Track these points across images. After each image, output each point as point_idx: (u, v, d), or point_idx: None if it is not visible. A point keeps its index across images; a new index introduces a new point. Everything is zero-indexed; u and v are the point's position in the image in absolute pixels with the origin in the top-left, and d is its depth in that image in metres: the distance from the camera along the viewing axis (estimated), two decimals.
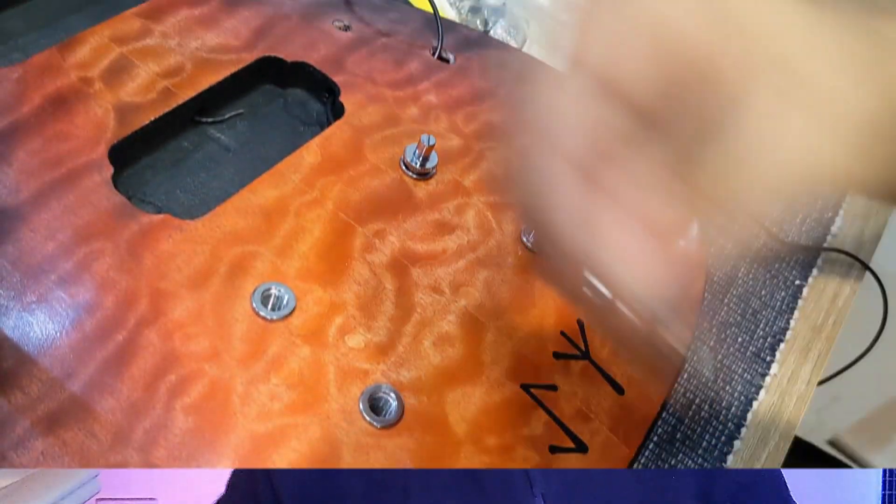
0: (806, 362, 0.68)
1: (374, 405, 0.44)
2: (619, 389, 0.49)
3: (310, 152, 0.52)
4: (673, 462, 0.59)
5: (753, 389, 0.65)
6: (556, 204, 0.36)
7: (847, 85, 0.32)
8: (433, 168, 0.54)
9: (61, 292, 0.42)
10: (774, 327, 0.69)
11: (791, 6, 0.33)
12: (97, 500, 1.19)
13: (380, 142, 0.55)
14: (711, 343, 0.66)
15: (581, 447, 0.46)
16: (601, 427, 0.48)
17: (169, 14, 0.56)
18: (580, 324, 0.51)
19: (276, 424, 0.41)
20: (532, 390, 0.47)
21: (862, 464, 1.62)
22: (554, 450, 0.46)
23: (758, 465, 0.62)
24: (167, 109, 0.51)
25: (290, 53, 0.58)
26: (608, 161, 0.35)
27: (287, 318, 0.45)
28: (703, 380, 0.63)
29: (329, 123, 0.55)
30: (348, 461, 0.41)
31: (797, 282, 0.72)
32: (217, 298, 0.44)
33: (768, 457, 0.62)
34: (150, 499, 1.26)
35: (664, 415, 0.60)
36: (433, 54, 0.62)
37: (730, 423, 0.62)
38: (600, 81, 0.35)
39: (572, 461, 0.46)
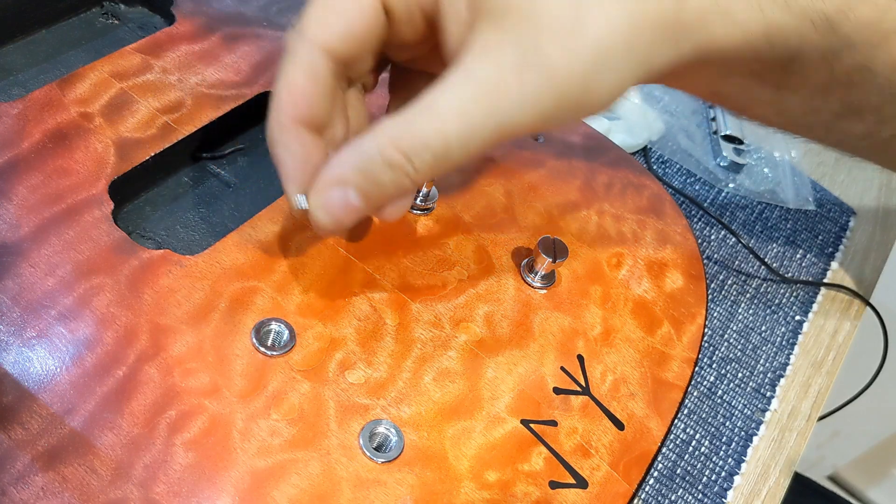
0: (806, 398, 0.68)
1: (375, 441, 0.44)
2: (620, 425, 0.49)
3: None
4: (673, 498, 0.59)
5: (753, 425, 0.64)
6: None
7: None
8: (434, 203, 0.54)
9: (61, 328, 0.42)
10: (775, 363, 0.69)
11: None
12: None
13: None
14: (711, 379, 0.66)
15: (581, 483, 0.46)
16: (601, 463, 0.47)
17: (169, 49, 0.56)
18: (580, 359, 0.51)
19: (276, 460, 0.41)
20: (532, 426, 0.47)
21: (862, 500, 1.62)
22: (554, 485, 0.46)
23: (758, 502, 0.61)
24: (167, 145, 0.51)
25: None
26: None
27: (287, 354, 0.45)
28: (703, 415, 0.63)
29: None
30: (348, 496, 0.41)
31: (797, 317, 0.72)
32: (217, 334, 0.44)
33: (768, 493, 0.62)
34: None
35: (664, 450, 0.60)
36: None
37: (730, 459, 0.62)
38: None
39: (572, 497, 0.46)
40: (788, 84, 0.48)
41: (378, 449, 0.43)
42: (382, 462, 0.43)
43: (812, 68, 0.46)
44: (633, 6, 0.40)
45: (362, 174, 0.41)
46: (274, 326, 0.45)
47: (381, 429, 0.44)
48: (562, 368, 0.50)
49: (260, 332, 0.45)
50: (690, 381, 0.53)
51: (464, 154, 0.40)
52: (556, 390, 0.49)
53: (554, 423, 0.48)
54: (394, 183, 0.41)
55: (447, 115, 0.40)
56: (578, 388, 0.50)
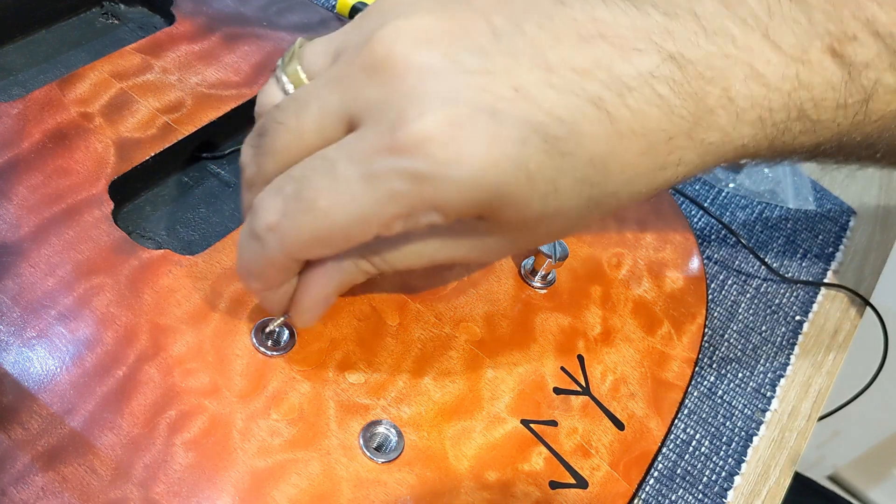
0: (806, 398, 0.68)
1: (375, 441, 0.44)
2: (620, 425, 0.49)
3: None
4: (673, 498, 0.59)
5: (754, 425, 0.64)
6: None
7: None
8: None
9: (61, 328, 0.42)
10: (775, 363, 0.69)
11: None
12: None
13: None
14: (711, 379, 0.66)
15: (581, 483, 0.46)
16: (601, 463, 0.47)
17: (169, 49, 0.56)
18: (580, 359, 0.51)
19: (276, 460, 0.41)
20: (532, 426, 0.47)
21: (862, 500, 1.62)
22: (554, 485, 0.46)
23: (758, 502, 0.61)
24: (167, 145, 0.51)
25: None
26: None
27: (287, 354, 0.45)
28: (703, 415, 0.63)
29: None
30: (348, 496, 0.41)
31: (797, 317, 0.72)
32: (217, 334, 0.44)
33: (769, 493, 0.62)
34: None
35: (664, 450, 0.60)
36: None
37: (730, 459, 0.62)
38: None
39: (572, 497, 0.46)
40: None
41: (378, 449, 0.43)
42: (382, 462, 0.43)
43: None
44: None
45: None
46: (274, 326, 0.45)
47: (381, 429, 0.44)
48: (562, 368, 0.50)
49: (260, 332, 0.45)
50: (690, 380, 0.53)
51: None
52: (557, 390, 0.49)
53: (554, 423, 0.48)
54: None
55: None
56: (578, 388, 0.50)
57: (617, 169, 0.39)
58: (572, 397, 0.49)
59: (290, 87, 0.41)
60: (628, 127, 0.38)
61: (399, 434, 0.44)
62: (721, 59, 0.39)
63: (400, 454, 0.43)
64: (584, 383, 0.50)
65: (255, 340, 0.44)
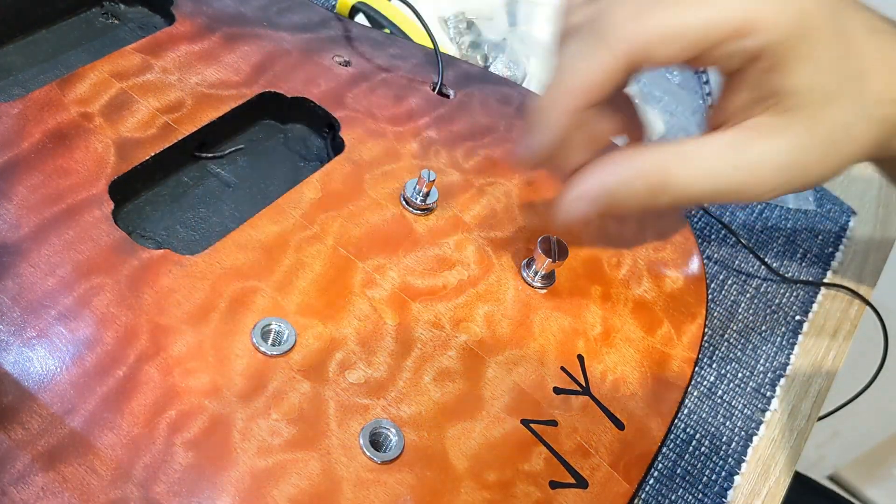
0: (806, 398, 0.68)
1: (375, 440, 0.44)
2: (620, 425, 0.49)
3: (310, 188, 0.52)
4: (673, 498, 0.59)
5: (754, 425, 0.64)
6: None
7: None
8: (433, 203, 0.54)
9: (61, 328, 0.42)
10: (775, 363, 0.69)
11: None
12: None
13: (380, 177, 0.55)
14: (711, 379, 0.66)
15: (581, 483, 0.46)
16: (601, 462, 0.47)
17: (169, 49, 0.56)
18: (580, 359, 0.51)
19: (276, 460, 0.41)
20: (532, 426, 0.47)
21: (862, 500, 1.62)
22: (554, 485, 0.46)
23: (758, 502, 0.61)
24: (167, 145, 0.51)
25: (290, 89, 0.58)
26: None
27: (287, 354, 0.45)
28: (703, 415, 0.63)
29: (329, 159, 0.55)
30: (348, 496, 0.41)
31: (797, 317, 0.72)
32: (217, 334, 0.44)
33: (769, 492, 0.62)
34: None
35: (664, 450, 0.60)
36: (433, 90, 0.62)
37: (730, 459, 0.62)
38: None
39: (572, 497, 0.46)
40: None
41: (378, 449, 0.43)
42: (382, 462, 0.43)
43: None
44: None
45: (612, 193, 0.48)
46: (274, 326, 0.45)
47: (381, 429, 0.44)
48: (562, 368, 0.50)
49: (260, 331, 0.45)
50: (690, 380, 0.53)
51: (703, 200, 0.48)
52: (556, 390, 0.49)
53: (554, 423, 0.48)
54: (637, 203, 0.47)
55: (716, 162, 0.47)
56: (578, 388, 0.50)
57: None
58: (572, 397, 0.49)
59: None
60: None
61: (399, 434, 0.44)
62: None
63: (400, 454, 0.43)
64: (584, 383, 0.50)
65: (255, 340, 0.44)
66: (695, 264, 0.59)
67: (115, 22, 0.62)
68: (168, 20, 0.60)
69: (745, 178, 0.46)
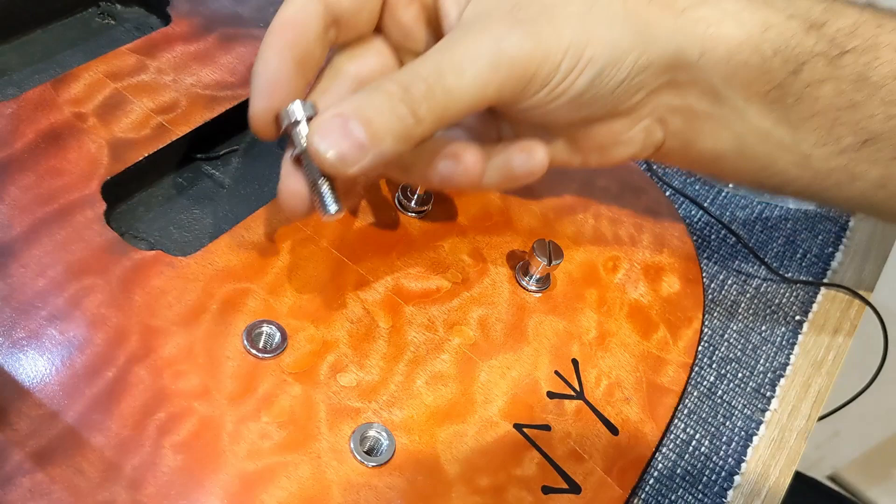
0: (806, 398, 0.68)
1: (365, 444, 0.44)
2: (614, 430, 0.49)
3: None
4: (673, 498, 0.59)
5: (753, 425, 0.64)
6: None
7: None
8: (428, 206, 0.54)
9: (52, 329, 0.42)
10: (775, 363, 0.68)
11: None
12: None
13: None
14: (711, 379, 0.65)
15: (574, 488, 0.46)
16: (595, 468, 0.47)
17: (164, 50, 0.56)
18: (575, 363, 0.51)
19: (265, 463, 0.41)
20: (525, 430, 0.47)
21: (862, 500, 1.62)
22: (547, 490, 0.45)
23: (758, 502, 0.61)
24: (161, 145, 0.51)
25: None
26: None
27: (278, 356, 0.44)
28: (703, 415, 0.63)
29: None
30: (338, 500, 0.41)
31: (797, 317, 0.72)
32: (208, 336, 0.44)
33: (769, 493, 0.62)
34: None
35: (664, 450, 0.60)
36: None
37: (730, 459, 0.62)
38: None
39: (565, 502, 0.45)
40: (800, 112, 0.48)
41: (369, 453, 0.43)
42: (373, 466, 0.43)
43: (816, 80, 0.46)
44: None
45: (363, 107, 0.41)
46: (265, 328, 0.45)
47: (371, 432, 0.44)
48: (556, 372, 0.50)
49: (251, 334, 0.45)
50: (686, 385, 0.53)
51: (469, 101, 0.42)
52: (550, 394, 0.49)
53: (547, 428, 0.48)
54: (397, 118, 0.40)
55: (461, 62, 0.42)
56: (572, 393, 0.49)
57: None
58: (566, 401, 0.49)
59: None
60: None
61: (390, 438, 0.44)
62: None
63: (391, 458, 0.43)
64: (578, 387, 0.50)
65: (246, 343, 0.44)
66: (692, 268, 0.59)
67: (112, 22, 0.62)
68: (164, 20, 0.60)
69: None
